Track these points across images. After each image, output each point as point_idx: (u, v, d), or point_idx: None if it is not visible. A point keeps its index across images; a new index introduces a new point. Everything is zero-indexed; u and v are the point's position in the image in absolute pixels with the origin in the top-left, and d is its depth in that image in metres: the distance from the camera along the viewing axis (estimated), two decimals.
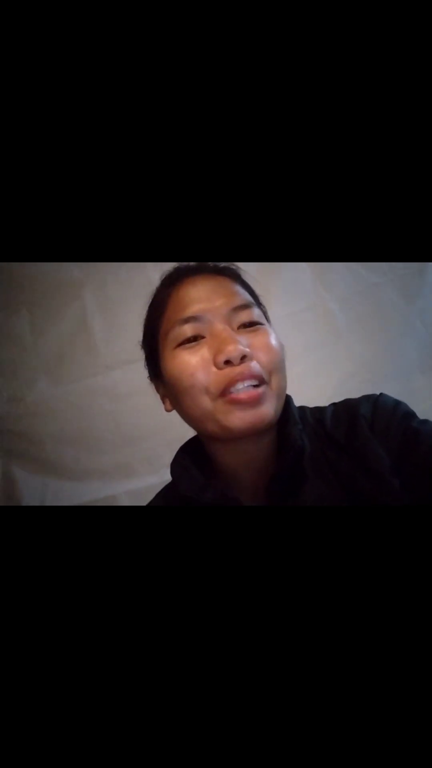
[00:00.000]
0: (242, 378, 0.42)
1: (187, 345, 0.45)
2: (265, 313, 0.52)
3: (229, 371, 0.42)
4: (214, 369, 0.43)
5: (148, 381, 0.55)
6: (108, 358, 1.03)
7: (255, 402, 0.42)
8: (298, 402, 0.52)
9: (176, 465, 0.51)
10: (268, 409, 0.43)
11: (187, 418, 0.47)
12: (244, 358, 0.42)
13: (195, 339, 0.44)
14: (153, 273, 1.02)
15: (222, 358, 0.42)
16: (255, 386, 0.42)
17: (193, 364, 0.43)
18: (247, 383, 0.42)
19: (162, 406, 0.53)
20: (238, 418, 0.42)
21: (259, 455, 0.46)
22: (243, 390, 0.42)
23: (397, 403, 0.48)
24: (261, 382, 0.43)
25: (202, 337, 0.44)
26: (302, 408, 0.53)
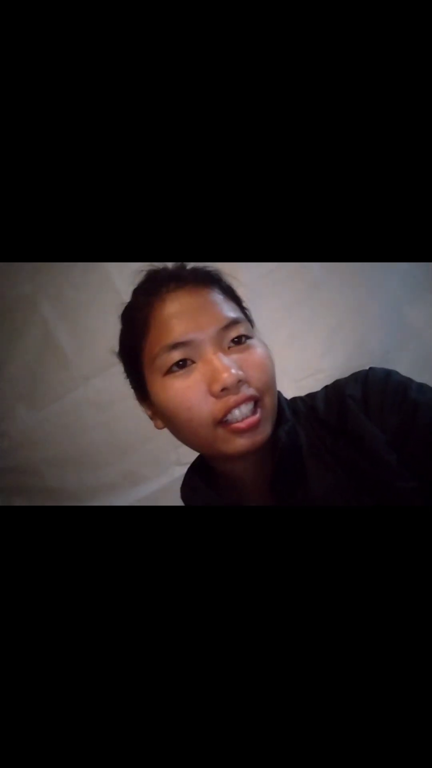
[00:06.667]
0: (238, 404, 0.41)
1: (178, 372, 0.43)
2: (248, 317, 0.50)
3: (226, 399, 0.41)
4: (210, 398, 0.42)
5: None
6: (84, 368, 0.97)
7: (254, 429, 0.42)
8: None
9: (186, 487, 0.52)
10: (264, 431, 0.43)
11: (183, 441, 0.46)
12: (239, 382, 0.41)
13: (184, 363, 0.43)
14: (110, 269, 0.96)
15: (218, 387, 0.41)
16: (252, 409, 0.42)
17: (188, 396, 0.42)
18: (243, 408, 0.42)
19: None
20: (238, 445, 0.42)
21: (256, 458, 0.45)
22: (241, 417, 0.41)
23: (388, 375, 0.47)
24: (256, 401, 0.43)
25: (192, 362, 0.43)
26: (294, 399, 0.52)
